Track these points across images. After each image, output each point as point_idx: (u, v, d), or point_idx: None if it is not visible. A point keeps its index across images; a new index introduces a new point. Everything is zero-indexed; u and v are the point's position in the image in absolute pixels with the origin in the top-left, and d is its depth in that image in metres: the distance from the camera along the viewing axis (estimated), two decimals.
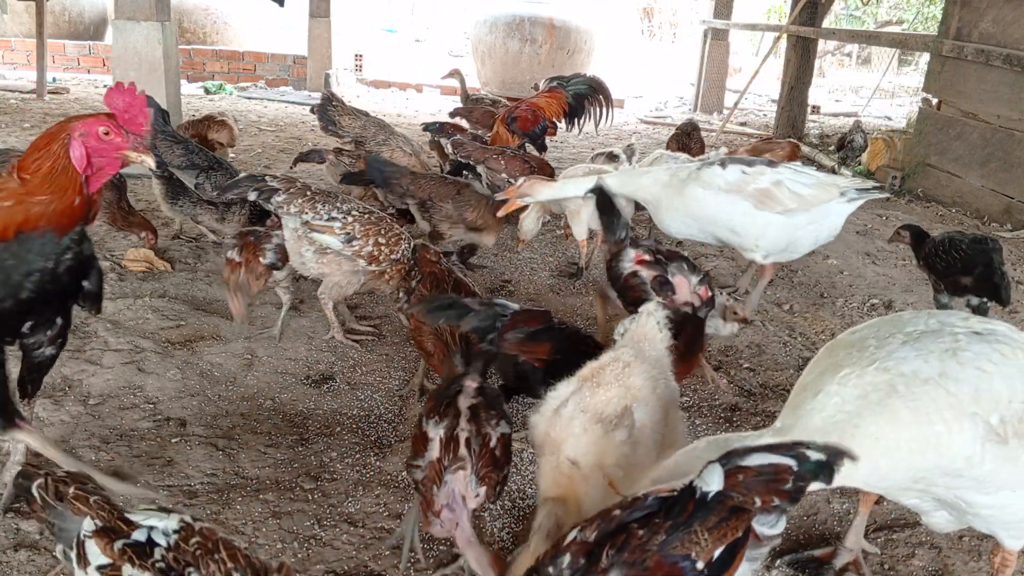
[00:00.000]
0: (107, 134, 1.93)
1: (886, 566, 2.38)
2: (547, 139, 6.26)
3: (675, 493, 1.44)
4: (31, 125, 7.56)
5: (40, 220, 1.90)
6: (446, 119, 6.49)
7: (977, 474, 1.73)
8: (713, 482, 1.38)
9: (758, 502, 1.36)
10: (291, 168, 5.44)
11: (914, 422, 1.70)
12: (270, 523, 2.41)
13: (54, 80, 10.15)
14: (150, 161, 2.03)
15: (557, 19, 11.89)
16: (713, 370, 3.46)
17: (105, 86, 10.29)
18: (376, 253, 3.36)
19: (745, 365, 3.69)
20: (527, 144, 6.10)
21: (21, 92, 9.33)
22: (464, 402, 2.09)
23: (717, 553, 1.37)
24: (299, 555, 2.29)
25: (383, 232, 3.39)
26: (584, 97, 6.44)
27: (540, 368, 2.58)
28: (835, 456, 1.37)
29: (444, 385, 2.23)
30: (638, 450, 1.97)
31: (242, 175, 3.55)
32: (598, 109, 6.52)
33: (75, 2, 12.81)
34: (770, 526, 1.42)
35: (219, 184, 3.91)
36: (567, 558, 1.45)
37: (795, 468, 1.36)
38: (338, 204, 3.40)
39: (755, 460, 1.37)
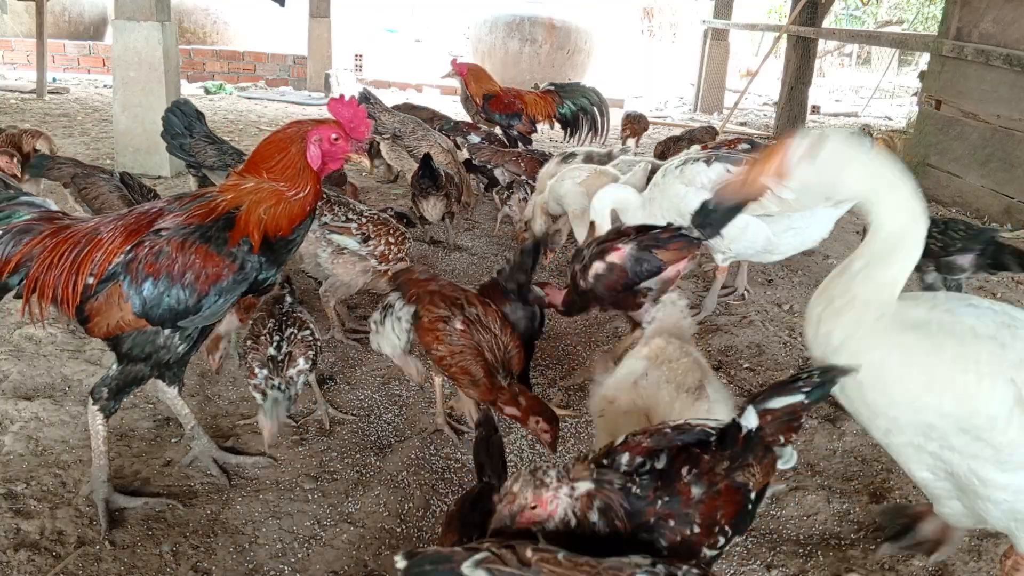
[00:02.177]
0: (336, 139, 2.31)
1: (886, 566, 2.38)
2: (524, 136, 6.29)
3: (714, 429, 1.64)
4: (31, 125, 7.57)
5: (306, 208, 2.31)
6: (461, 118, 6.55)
7: (999, 440, 1.75)
8: (752, 421, 1.60)
9: (782, 439, 1.61)
10: None
11: (954, 363, 1.77)
12: (270, 523, 2.41)
13: (54, 80, 10.15)
14: (366, 162, 2.51)
15: (557, 19, 11.90)
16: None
17: (105, 86, 10.30)
18: (387, 252, 3.48)
19: (745, 365, 3.68)
20: (498, 129, 6.13)
21: (21, 92, 9.33)
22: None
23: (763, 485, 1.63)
24: (299, 555, 2.29)
25: (391, 232, 3.51)
26: (583, 111, 6.46)
27: None
28: (833, 374, 1.63)
29: (464, 501, 1.80)
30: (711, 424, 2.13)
31: None
32: (597, 122, 6.56)
33: (75, 2, 12.82)
34: (785, 461, 1.65)
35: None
36: (625, 456, 1.61)
37: (805, 402, 1.60)
38: (351, 206, 3.53)
39: (776, 403, 1.60)
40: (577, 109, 6.47)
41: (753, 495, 1.61)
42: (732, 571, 2.34)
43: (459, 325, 2.67)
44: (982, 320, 1.83)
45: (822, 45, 12.55)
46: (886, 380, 1.83)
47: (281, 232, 2.27)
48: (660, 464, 1.59)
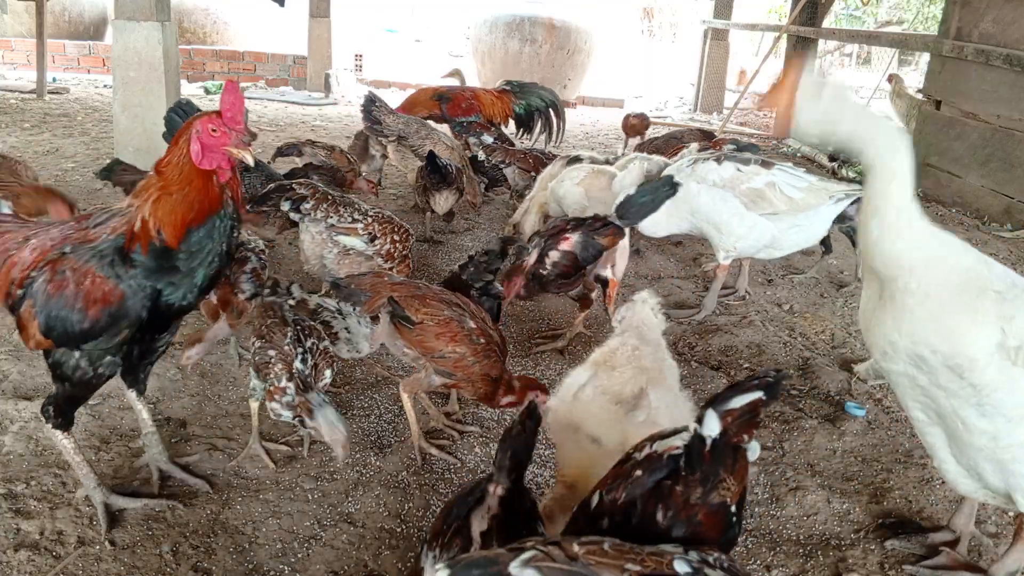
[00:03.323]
0: (214, 131, 2.11)
1: (886, 566, 2.38)
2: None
3: (682, 448, 1.53)
4: (31, 125, 7.57)
5: (193, 210, 2.12)
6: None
7: (976, 380, 1.89)
8: (714, 427, 1.51)
9: (746, 438, 1.53)
10: (271, 162, 5.44)
11: (957, 307, 1.91)
12: (270, 523, 2.41)
13: (54, 80, 10.15)
14: (248, 158, 2.15)
15: (557, 19, 11.89)
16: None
17: (105, 86, 10.30)
18: (392, 250, 3.51)
19: (745, 365, 3.68)
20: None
21: (21, 92, 9.33)
22: (477, 524, 1.58)
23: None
24: (299, 555, 2.29)
25: (395, 230, 3.54)
26: (537, 110, 6.48)
27: None
28: (782, 379, 1.59)
29: (463, 492, 1.72)
30: (655, 430, 2.05)
31: (272, 185, 3.70)
32: (553, 123, 6.57)
33: (75, 2, 12.81)
34: (751, 454, 1.58)
35: (252, 193, 3.93)
36: (605, 521, 1.52)
37: (764, 398, 1.53)
38: (356, 206, 3.55)
39: (736, 402, 1.52)
40: (532, 108, 6.51)
41: (734, 508, 1.53)
42: None
43: (472, 324, 2.68)
44: (1004, 279, 1.96)
45: (822, 45, 12.54)
46: (926, 291, 1.96)
47: (170, 238, 2.08)
48: (634, 519, 1.48)
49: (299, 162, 5.28)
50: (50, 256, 2.11)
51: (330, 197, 3.54)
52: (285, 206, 3.48)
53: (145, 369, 2.44)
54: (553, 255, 3.24)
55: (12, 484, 2.47)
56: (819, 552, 2.43)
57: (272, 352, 2.55)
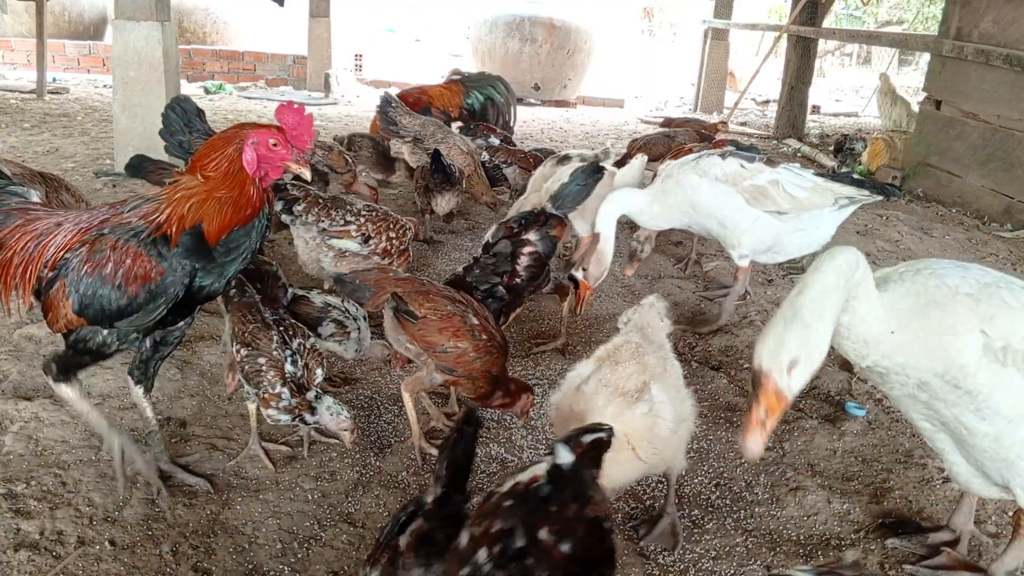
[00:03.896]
0: (275, 145, 2.21)
1: (886, 566, 2.38)
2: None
3: (546, 476, 1.57)
4: (31, 125, 7.57)
5: (242, 213, 2.23)
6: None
7: (970, 386, 1.90)
8: (566, 456, 1.60)
9: (596, 473, 1.67)
10: None
11: (938, 330, 1.90)
12: (270, 523, 2.41)
13: (54, 80, 10.15)
14: (307, 173, 2.30)
15: (557, 19, 11.89)
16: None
17: (105, 86, 10.30)
18: (389, 247, 3.49)
19: (745, 365, 3.68)
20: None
21: (21, 92, 9.33)
22: (405, 539, 1.59)
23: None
24: (299, 555, 2.29)
25: (392, 226, 3.52)
26: (490, 100, 6.45)
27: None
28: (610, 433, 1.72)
29: (401, 507, 1.72)
30: (658, 423, 2.12)
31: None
32: (504, 112, 6.53)
33: (75, 2, 12.81)
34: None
35: None
36: (482, 552, 1.43)
37: (605, 438, 1.69)
38: (348, 207, 3.52)
39: (585, 438, 1.67)
40: (485, 99, 6.46)
41: (607, 525, 1.55)
42: (732, 571, 2.34)
43: (475, 320, 2.69)
44: (966, 280, 1.96)
45: (822, 45, 12.55)
46: (892, 349, 1.95)
47: (212, 235, 2.17)
48: (519, 542, 1.43)
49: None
50: (86, 238, 2.18)
51: (321, 200, 3.50)
52: (277, 206, 3.45)
53: (157, 364, 2.48)
54: (522, 261, 3.21)
55: (12, 484, 2.47)
56: (819, 552, 2.43)
57: (262, 360, 2.54)
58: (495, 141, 5.83)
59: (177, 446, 2.75)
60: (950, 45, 6.82)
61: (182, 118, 4.35)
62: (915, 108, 9.09)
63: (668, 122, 7.07)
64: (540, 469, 1.58)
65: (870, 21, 19.75)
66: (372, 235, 3.47)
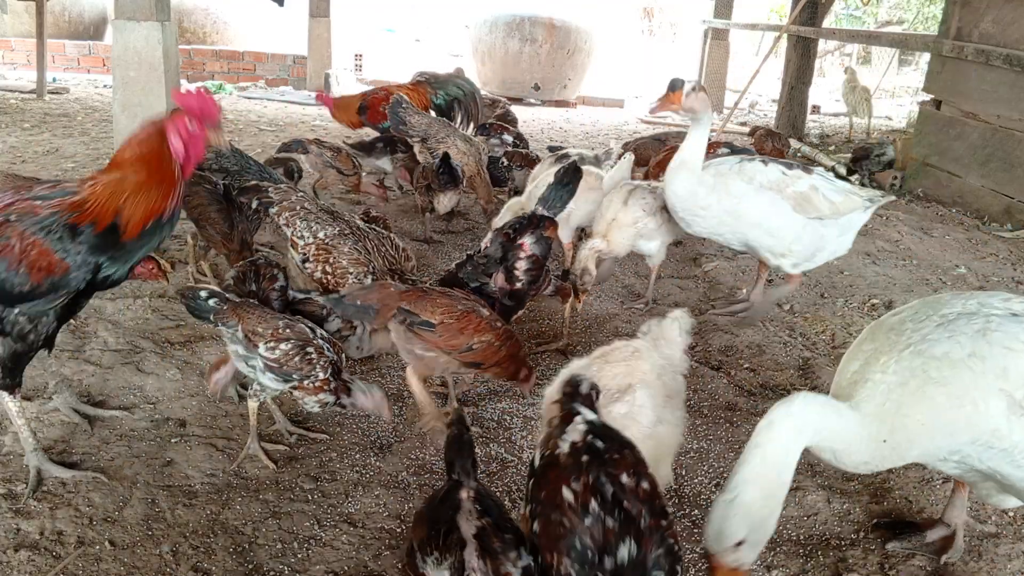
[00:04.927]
0: (192, 128, 2.37)
1: (886, 566, 2.38)
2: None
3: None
4: (31, 125, 7.57)
5: (166, 202, 2.38)
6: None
7: (1006, 445, 1.83)
8: (590, 414, 1.84)
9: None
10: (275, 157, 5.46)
11: (950, 406, 1.81)
12: (270, 523, 2.41)
13: (54, 80, 10.15)
14: (222, 140, 2.46)
15: (557, 19, 11.89)
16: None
17: (105, 86, 10.30)
18: (324, 279, 3.31)
19: (745, 365, 3.68)
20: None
21: (21, 92, 9.33)
22: (467, 526, 1.63)
23: None
24: (299, 555, 2.29)
25: (332, 262, 3.31)
26: (456, 100, 6.46)
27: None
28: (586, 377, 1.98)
29: (433, 498, 1.80)
30: (633, 427, 2.10)
31: (251, 182, 3.65)
32: (471, 110, 6.53)
33: (75, 2, 12.81)
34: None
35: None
36: (593, 503, 1.59)
37: (592, 380, 1.97)
38: (314, 224, 3.35)
39: (583, 389, 1.92)
40: (451, 99, 6.46)
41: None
42: None
43: (485, 311, 2.76)
44: (954, 339, 1.87)
45: (822, 45, 12.55)
46: (899, 447, 1.89)
47: (137, 225, 2.30)
48: (611, 489, 1.62)
49: (303, 159, 5.29)
50: None
51: (298, 207, 3.38)
52: (254, 203, 3.46)
53: (57, 331, 2.54)
54: (520, 265, 3.18)
55: (12, 484, 2.47)
56: (819, 552, 2.43)
57: (310, 349, 2.59)
58: (508, 139, 5.83)
59: (177, 446, 2.75)
60: (950, 45, 6.82)
61: None
62: (873, 93, 9.26)
63: (754, 131, 6.91)
64: (578, 429, 1.76)
65: (870, 21, 19.74)
66: (311, 259, 3.32)
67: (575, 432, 1.74)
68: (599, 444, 1.70)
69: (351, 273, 3.30)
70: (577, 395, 1.87)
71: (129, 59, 5.70)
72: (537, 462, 1.78)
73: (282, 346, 2.57)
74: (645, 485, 1.64)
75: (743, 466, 1.71)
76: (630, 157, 4.39)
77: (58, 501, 2.41)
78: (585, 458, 1.66)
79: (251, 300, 2.76)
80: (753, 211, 3.54)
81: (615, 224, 3.82)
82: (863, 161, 7.38)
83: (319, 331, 2.70)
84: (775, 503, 1.71)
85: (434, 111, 6.43)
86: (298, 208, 3.42)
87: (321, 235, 3.34)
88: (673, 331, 2.48)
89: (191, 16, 13.47)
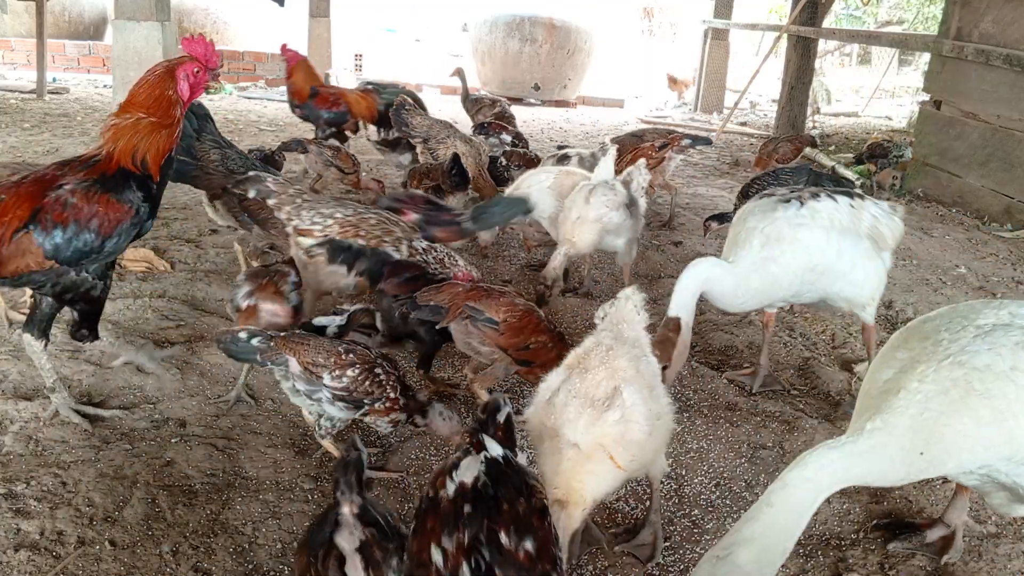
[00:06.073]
0: (198, 72, 2.67)
1: (886, 566, 2.38)
2: (341, 134, 6.31)
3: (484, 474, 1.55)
4: (31, 125, 7.57)
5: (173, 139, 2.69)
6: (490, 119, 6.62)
7: None
8: (497, 448, 1.60)
9: (517, 451, 1.73)
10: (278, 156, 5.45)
11: (992, 419, 1.78)
12: (270, 523, 2.41)
13: (54, 80, 10.15)
14: (219, 84, 2.74)
15: (557, 19, 11.90)
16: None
17: (105, 86, 10.30)
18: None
19: (745, 365, 3.68)
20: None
21: (21, 92, 9.33)
22: (349, 541, 1.61)
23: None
24: None
25: (363, 234, 3.25)
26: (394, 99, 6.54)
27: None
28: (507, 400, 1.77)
29: (312, 524, 1.73)
30: (632, 427, 2.06)
31: (251, 173, 3.59)
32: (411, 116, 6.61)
33: (75, 2, 12.82)
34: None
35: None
36: (439, 555, 1.44)
37: (510, 409, 1.75)
38: (322, 209, 3.33)
39: (498, 418, 1.70)
40: (391, 101, 6.50)
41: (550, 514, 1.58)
42: None
43: (542, 313, 2.83)
44: (995, 351, 1.83)
45: (822, 45, 12.55)
46: (936, 459, 1.85)
47: (155, 163, 2.59)
48: (486, 554, 1.42)
49: (303, 159, 5.31)
50: (46, 195, 2.47)
51: (299, 199, 3.32)
52: (251, 193, 3.38)
53: (53, 317, 2.78)
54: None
55: (12, 484, 2.47)
56: (819, 552, 2.43)
57: (378, 371, 2.48)
58: (507, 138, 5.85)
59: (177, 446, 2.75)
60: (950, 45, 6.82)
61: (192, 123, 4.34)
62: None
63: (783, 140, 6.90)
64: (472, 468, 1.55)
65: (870, 21, 19.75)
66: (337, 238, 3.30)
67: (468, 471, 1.54)
68: (490, 490, 1.50)
69: (386, 241, 3.26)
70: (492, 423, 1.66)
71: (129, 59, 5.71)
72: (421, 504, 1.58)
73: (349, 372, 2.41)
74: (528, 546, 1.44)
75: (746, 524, 1.61)
76: (613, 149, 4.31)
77: (58, 501, 2.41)
78: (467, 508, 1.47)
79: (300, 331, 2.60)
80: (836, 263, 2.88)
81: (579, 222, 3.68)
82: (879, 159, 7.25)
83: (373, 347, 2.63)
84: (770, 571, 1.59)
85: (380, 115, 6.53)
86: (299, 200, 3.37)
87: (339, 215, 3.31)
88: (630, 310, 2.34)
89: (191, 16, 13.46)
